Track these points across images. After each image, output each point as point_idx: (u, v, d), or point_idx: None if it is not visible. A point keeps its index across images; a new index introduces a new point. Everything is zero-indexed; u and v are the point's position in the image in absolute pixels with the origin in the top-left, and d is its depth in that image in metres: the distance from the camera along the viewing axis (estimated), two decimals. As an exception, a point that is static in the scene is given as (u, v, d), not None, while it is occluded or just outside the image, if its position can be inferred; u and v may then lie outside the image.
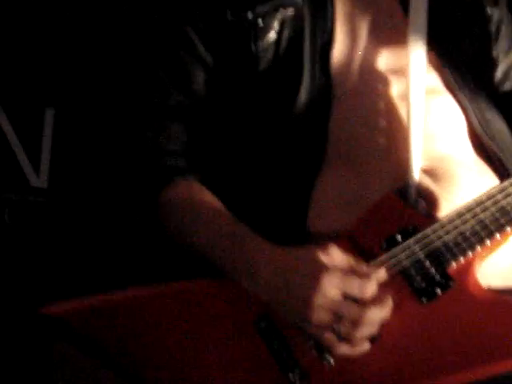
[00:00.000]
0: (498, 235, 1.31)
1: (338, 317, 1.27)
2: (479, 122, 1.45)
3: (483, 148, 1.45)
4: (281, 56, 1.42)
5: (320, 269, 1.27)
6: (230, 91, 1.45)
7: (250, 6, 1.42)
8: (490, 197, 1.32)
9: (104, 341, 1.36)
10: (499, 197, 1.31)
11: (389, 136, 1.40)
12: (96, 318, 1.37)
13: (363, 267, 1.29)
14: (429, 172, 1.38)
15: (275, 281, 1.30)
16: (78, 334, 1.37)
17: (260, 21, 1.42)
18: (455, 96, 1.45)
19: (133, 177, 1.47)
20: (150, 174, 1.45)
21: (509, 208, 1.31)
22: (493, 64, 1.51)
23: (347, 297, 1.27)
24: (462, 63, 1.46)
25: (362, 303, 1.28)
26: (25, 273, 2.36)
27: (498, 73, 1.53)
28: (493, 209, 1.31)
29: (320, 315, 1.27)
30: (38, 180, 2.58)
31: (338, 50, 1.43)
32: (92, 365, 1.37)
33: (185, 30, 1.46)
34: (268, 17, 1.42)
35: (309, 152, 1.40)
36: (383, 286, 1.30)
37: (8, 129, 2.59)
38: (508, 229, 1.31)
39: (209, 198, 1.42)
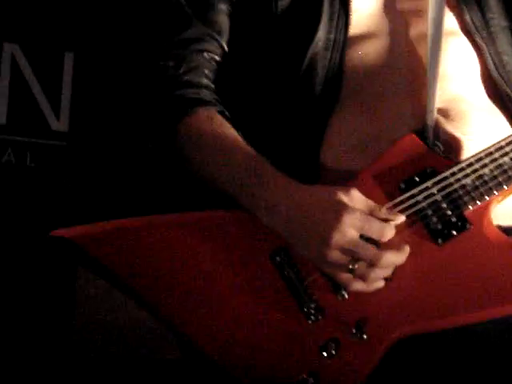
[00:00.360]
0: None
1: (354, 257, 1.29)
2: (494, 64, 1.46)
3: (497, 90, 1.46)
4: None
5: (341, 209, 1.29)
6: (251, 26, 1.46)
7: None
8: (508, 143, 1.34)
9: (116, 265, 1.38)
10: None
11: (406, 76, 1.42)
12: (109, 242, 1.38)
13: (384, 211, 1.31)
14: (442, 112, 1.39)
15: (295, 216, 1.32)
16: (89, 257, 1.38)
17: None
18: (472, 38, 1.46)
19: (154, 106, 1.47)
20: (170, 103, 1.45)
21: None
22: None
23: (365, 238, 1.30)
24: (481, 4, 1.47)
25: (379, 246, 1.30)
26: (47, 215, 2.40)
27: None
28: None
29: (337, 254, 1.29)
30: (59, 124, 2.61)
31: None
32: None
33: None
34: None
35: (324, 90, 1.41)
36: (400, 227, 1.32)
37: (29, 73, 2.60)
38: None
39: (230, 130, 1.42)
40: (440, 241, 1.33)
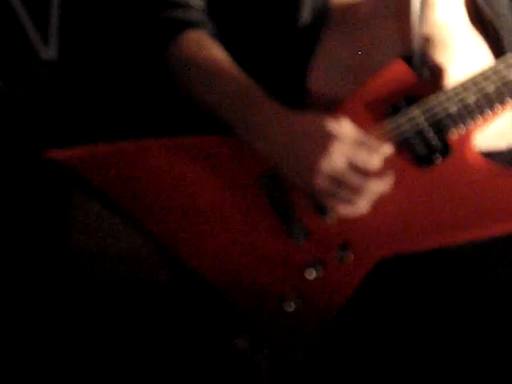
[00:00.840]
0: (500, 107, 1.36)
1: (340, 184, 1.32)
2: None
3: (479, 15, 1.47)
4: None
5: (330, 136, 1.31)
6: None
7: None
8: (495, 71, 1.36)
9: (110, 188, 1.40)
10: (505, 72, 1.35)
11: (392, 1, 1.41)
12: (100, 164, 1.40)
13: (372, 141, 1.34)
14: (426, 39, 1.40)
15: (285, 140, 1.34)
16: (82, 179, 1.40)
17: None
18: None
19: (142, 29, 1.46)
20: (159, 25, 1.44)
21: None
22: None
23: (352, 166, 1.32)
24: None
25: (365, 174, 1.33)
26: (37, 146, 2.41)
27: None
28: (498, 83, 1.35)
29: (324, 181, 1.32)
30: (48, 53, 2.58)
31: None
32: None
33: None
34: None
35: (310, 14, 1.41)
36: (387, 153, 1.35)
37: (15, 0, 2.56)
38: (510, 100, 1.36)
39: (220, 53, 1.42)
40: (424, 166, 1.36)
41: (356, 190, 1.32)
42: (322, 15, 1.41)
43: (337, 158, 1.30)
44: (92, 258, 2.29)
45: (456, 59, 1.40)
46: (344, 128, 1.32)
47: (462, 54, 1.41)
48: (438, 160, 1.36)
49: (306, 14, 1.41)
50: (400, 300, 1.42)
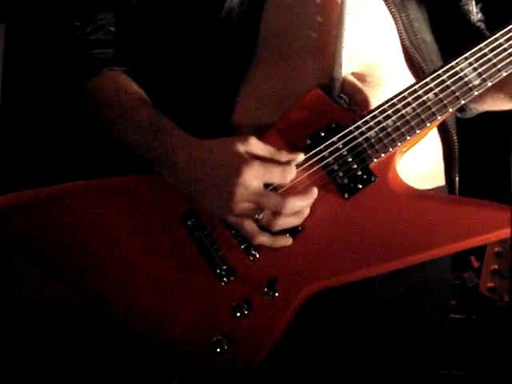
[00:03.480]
0: (418, 130, 1.33)
1: (259, 207, 1.28)
2: (406, 32, 1.46)
3: (409, 57, 1.46)
4: None
5: (240, 159, 1.28)
6: None
7: None
8: (411, 92, 1.34)
9: (26, 236, 1.37)
10: (421, 92, 1.33)
11: (319, 33, 1.41)
12: (18, 213, 1.37)
13: (282, 154, 1.30)
14: (355, 75, 1.39)
15: (195, 171, 1.31)
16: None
17: None
18: (388, 5, 1.45)
19: (62, 67, 1.46)
20: (76, 64, 1.44)
21: (429, 103, 1.33)
22: None
23: (269, 186, 1.29)
24: None
25: (283, 192, 1.30)
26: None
27: None
28: (414, 104, 1.33)
29: (241, 206, 1.28)
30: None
31: None
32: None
33: None
34: None
35: (239, 46, 1.40)
36: (307, 183, 1.33)
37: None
38: (428, 124, 1.34)
39: (134, 89, 1.42)
40: (347, 195, 1.34)
41: (275, 210, 1.28)
42: (250, 49, 1.40)
43: (250, 181, 1.27)
44: (28, 309, 2.25)
45: (383, 95, 1.38)
46: (252, 145, 1.29)
47: (390, 91, 1.38)
48: (360, 187, 1.33)
49: (233, 49, 1.40)
50: (330, 337, 1.39)
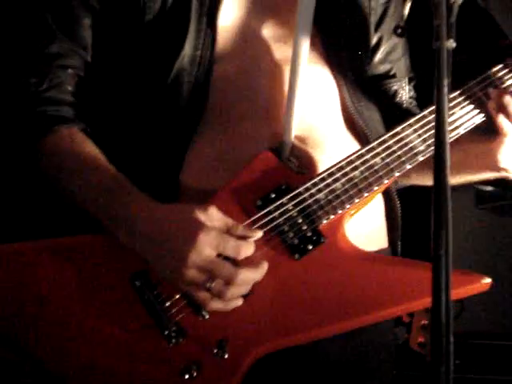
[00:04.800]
0: (366, 193, 1.37)
1: (211, 276, 1.28)
2: (350, 98, 1.49)
3: (352, 122, 1.50)
4: (168, 8, 1.42)
5: (197, 227, 1.28)
6: (116, 40, 1.45)
7: None
8: (359, 156, 1.37)
9: None
10: (368, 156, 1.37)
11: (267, 98, 1.43)
12: None
13: (240, 228, 1.31)
14: (301, 138, 1.42)
15: (152, 235, 1.30)
16: None
17: None
18: (333, 72, 1.49)
19: (16, 124, 1.44)
20: (31, 121, 1.43)
21: (376, 167, 1.37)
22: (370, 49, 1.55)
23: (222, 256, 1.29)
24: (342, 45, 1.50)
25: (236, 263, 1.30)
26: None
27: (379, 54, 1.58)
28: (362, 168, 1.37)
29: (194, 273, 1.28)
30: None
31: (226, 9, 1.45)
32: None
33: None
34: None
35: (188, 107, 1.41)
36: (258, 244, 1.33)
37: None
38: (375, 187, 1.37)
39: (90, 149, 1.41)
40: (297, 256, 1.35)
41: (226, 280, 1.28)
42: (200, 105, 1.41)
43: (204, 249, 1.27)
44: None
45: (328, 158, 1.41)
46: (212, 216, 1.29)
47: (335, 154, 1.41)
48: (310, 248, 1.35)
49: (183, 109, 1.41)
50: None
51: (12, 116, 1.44)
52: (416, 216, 1.85)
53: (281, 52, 1.46)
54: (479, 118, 1.41)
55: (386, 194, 1.52)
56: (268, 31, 1.47)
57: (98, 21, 1.45)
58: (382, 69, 1.59)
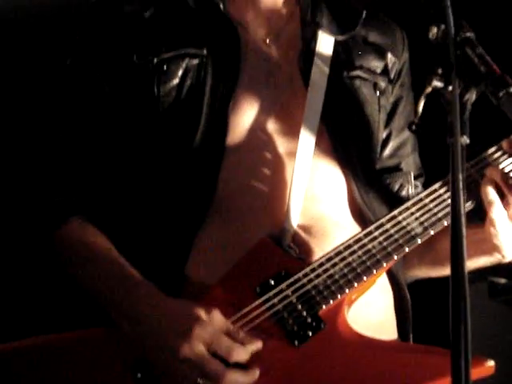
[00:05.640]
0: (364, 277, 1.35)
1: (201, 371, 1.28)
2: (358, 190, 1.50)
3: (361, 213, 1.50)
4: (182, 101, 1.46)
5: (194, 321, 1.29)
6: (132, 131, 1.48)
7: (156, 53, 1.47)
8: (357, 241, 1.37)
9: None
10: (366, 240, 1.37)
11: (272, 189, 1.45)
12: None
13: (241, 334, 1.31)
14: (305, 227, 1.42)
15: (153, 323, 1.31)
16: None
17: (165, 66, 1.46)
18: (340, 166, 1.50)
19: (31, 212, 1.48)
20: (47, 210, 1.46)
21: (374, 251, 1.36)
22: (378, 145, 1.57)
23: (213, 353, 1.28)
24: (351, 141, 1.51)
25: (227, 363, 1.29)
26: None
27: (388, 150, 1.60)
28: (360, 252, 1.36)
29: (186, 367, 1.28)
30: None
31: (237, 103, 1.47)
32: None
33: (93, 66, 1.50)
34: (173, 63, 1.47)
35: (196, 201, 1.43)
36: (257, 332, 1.32)
37: None
38: (374, 271, 1.36)
39: (102, 240, 1.44)
40: (297, 343, 1.33)
41: (214, 380, 1.27)
42: (208, 197, 1.42)
43: (197, 343, 1.27)
44: None
45: (326, 241, 1.41)
46: (214, 318, 1.30)
47: (334, 238, 1.41)
48: (310, 335, 1.33)
49: (191, 201, 1.42)
50: None
51: (29, 204, 1.48)
52: (428, 307, 1.81)
53: (288, 145, 1.47)
54: (473, 202, 1.40)
55: (396, 285, 1.50)
56: (276, 125, 1.49)
57: (115, 112, 1.48)
58: (391, 163, 1.61)
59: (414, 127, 1.41)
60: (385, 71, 1.58)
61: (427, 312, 1.77)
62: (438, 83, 1.16)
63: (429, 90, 1.18)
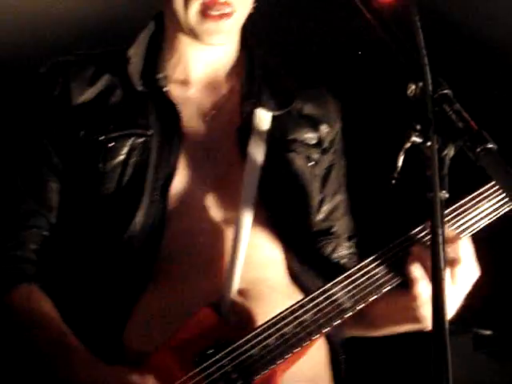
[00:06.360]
0: (296, 349, 1.39)
1: None
2: (295, 256, 1.55)
3: (296, 276, 1.55)
4: (125, 178, 1.53)
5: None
6: (77, 203, 1.56)
7: (103, 131, 1.54)
8: (292, 312, 1.41)
9: None
10: (300, 312, 1.41)
11: (211, 258, 1.50)
12: None
13: None
14: (244, 294, 1.47)
15: None
16: None
17: (111, 144, 1.54)
18: (277, 232, 1.55)
19: None
20: None
21: (307, 323, 1.40)
22: (312, 211, 1.63)
23: None
24: (286, 209, 1.58)
25: None
26: None
27: (321, 214, 1.66)
28: (294, 323, 1.40)
29: None
30: None
31: (178, 181, 1.55)
32: None
33: (43, 141, 1.57)
34: (119, 141, 1.54)
35: (137, 271, 1.48)
36: None
37: None
38: (306, 342, 1.39)
39: (46, 306, 1.49)
40: None
41: None
42: (147, 275, 1.48)
43: None
44: None
45: (271, 310, 1.45)
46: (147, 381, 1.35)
47: (278, 306, 1.45)
48: None
49: (131, 271, 1.48)
50: None
51: None
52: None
53: (227, 216, 1.54)
54: (400, 278, 1.44)
55: (330, 342, 1.54)
56: (216, 197, 1.55)
57: (64, 184, 1.56)
58: (324, 226, 1.66)
59: (393, 181, 1.44)
60: (318, 143, 1.65)
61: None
62: (416, 139, 1.19)
63: (408, 145, 1.21)
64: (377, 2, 1.28)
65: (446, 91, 1.20)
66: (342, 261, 1.65)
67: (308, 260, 1.56)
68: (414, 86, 1.21)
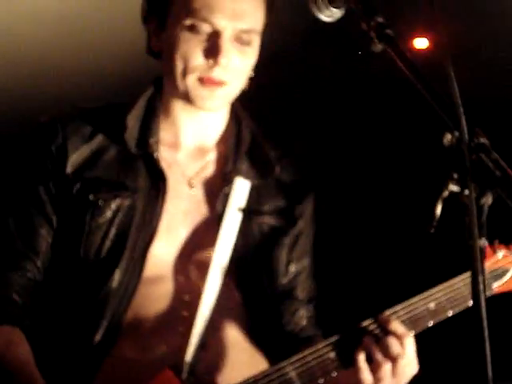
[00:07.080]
0: None
1: None
2: (258, 319, 1.62)
3: (258, 338, 1.62)
4: (108, 237, 1.60)
5: None
6: (62, 254, 1.61)
7: (94, 190, 1.62)
8: (265, 375, 1.46)
9: None
10: (274, 376, 1.47)
11: (176, 321, 1.57)
12: None
13: None
14: (206, 354, 1.52)
15: None
16: None
17: (100, 202, 1.61)
18: (242, 295, 1.64)
19: None
20: None
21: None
22: (278, 275, 1.71)
23: None
24: (255, 276, 1.67)
25: None
26: None
27: (286, 278, 1.73)
28: None
29: None
30: None
31: (157, 240, 1.63)
32: None
33: (39, 188, 1.63)
34: (108, 200, 1.61)
35: (108, 324, 1.53)
36: None
37: None
38: None
39: (23, 352, 1.51)
40: None
41: None
42: (115, 331, 1.53)
43: None
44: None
45: (232, 369, 1.50)
46: None
47: (239, 366, 1.51)
48: None
49: (102, 329, 1.52)
50: None
51: None
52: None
53: (197, 279, 1.61)
54: (347, 365, 1.54)
55: None
56: (189, 261, 1.63)
57: (53, 234, 1.62)
58: (287, 288, 1.73)
59: (432, 230, 1.44)
60: (290, 213, 1.73)
61: None
62: (454, 187, 1.20)
63: (446, 193, 1.22)
64: (411, 51, 1.30)
65: (482, 140, 1.20)
66: (303, 323, 1.73)
67: (270, 320, 1.65)
68: (449, 136, 1.22)
